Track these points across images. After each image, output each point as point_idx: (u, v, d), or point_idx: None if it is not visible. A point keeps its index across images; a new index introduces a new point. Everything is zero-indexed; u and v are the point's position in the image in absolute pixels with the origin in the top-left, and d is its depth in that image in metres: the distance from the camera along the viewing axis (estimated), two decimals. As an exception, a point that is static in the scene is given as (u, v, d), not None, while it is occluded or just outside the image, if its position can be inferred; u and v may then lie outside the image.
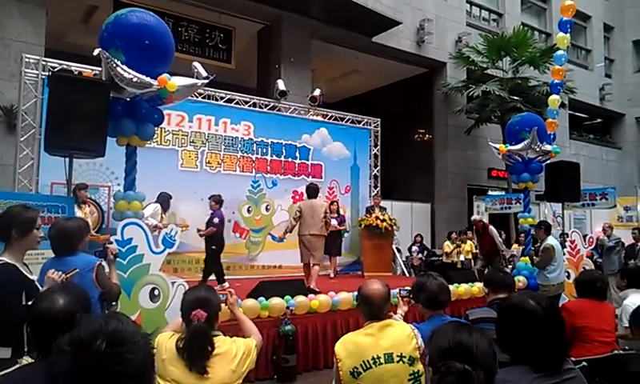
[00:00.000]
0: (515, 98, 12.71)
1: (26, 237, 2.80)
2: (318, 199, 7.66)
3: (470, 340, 1.45)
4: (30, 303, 2.53)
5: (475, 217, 9.83)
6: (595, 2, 18.87)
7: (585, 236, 8.51)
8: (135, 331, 1.12)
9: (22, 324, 2.48)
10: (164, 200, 7.37)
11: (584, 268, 7.21)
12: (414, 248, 11.99)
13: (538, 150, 7.89)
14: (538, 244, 7.23)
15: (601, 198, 11.27)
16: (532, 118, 8.28)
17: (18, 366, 1.80)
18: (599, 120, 20.32)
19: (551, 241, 6.71)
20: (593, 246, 9.02)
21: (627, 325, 3.84)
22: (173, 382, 2.17)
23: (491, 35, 13.75)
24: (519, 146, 7.93)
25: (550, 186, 8.43)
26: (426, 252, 12.26)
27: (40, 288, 2.69)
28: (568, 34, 8.24)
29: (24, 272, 2.75)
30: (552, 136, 8.42)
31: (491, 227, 9.39)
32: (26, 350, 2.42)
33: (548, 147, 8.04)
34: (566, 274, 7.23)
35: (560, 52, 8.36)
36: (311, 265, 7.32)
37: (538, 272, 6.86)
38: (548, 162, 8.29)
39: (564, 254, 7.38)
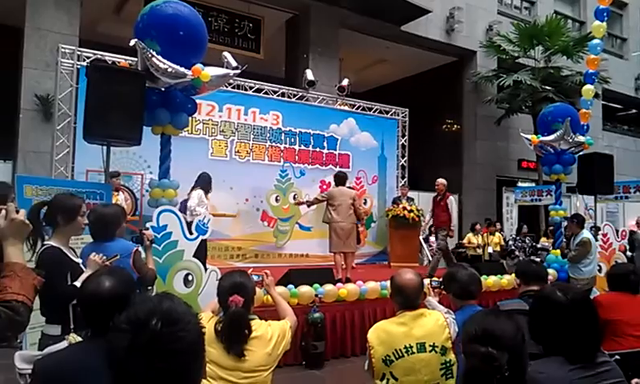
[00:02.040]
0: (547, 87, 12.48)
1: (70, 223, 2.91)
2: (346, 187, 7.62)
3: (494, 324, 1.53)
4: (75, 283, 2.66)
5: (440, 179, 8.81)
6: (632, -12, 18.31)
7: (617, 230, 8.34)
8: (187, 311, 1.17)
9: (69, 303, 2.61)
10: (205, 182, 7.19)
11: (616, 262, 7.09)
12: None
13: (570, 141, 7.75)
14: (571, 237, 7.10)
15: (635, 191, 11.00)
16: (565, 109, 8.12)
17: (67, 343, 1.89)
18: (634, 111, 19.75)
19: (587, 234, 6.63)
20: (626, 239, 8.83)
21: None
22: (211, 362, 2.25)
23: (523, 23, 13.49)
24: (552, 137, 7.79)
25: (582, 178, 8.29)
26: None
27: (84, 270, 2.80)
28: (604, 23, 8.04)
29: (69, 255, 2.88)
30: (585, 127, 8.26)
31: (451, 197, 8.44)
32: (72, 327, 2.55)
33: (581, 138, 7.89)
34: (598, 267, 7.13)
35: (596, 41, 8.17)
36: (345, 254, 7.20)
37: (570, 265, 6.76)
38: (581, 153, 8.14)
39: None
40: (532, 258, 10.10)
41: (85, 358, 1.57)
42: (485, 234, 11.52)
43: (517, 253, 10.30)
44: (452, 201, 8.27)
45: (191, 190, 7.05)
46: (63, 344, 1.90)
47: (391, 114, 11.62)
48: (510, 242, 10.79)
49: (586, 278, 6.47)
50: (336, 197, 7.27)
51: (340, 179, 7.54)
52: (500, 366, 1.43)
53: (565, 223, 8.21)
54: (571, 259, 6.61)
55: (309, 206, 8.10)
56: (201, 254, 6.95)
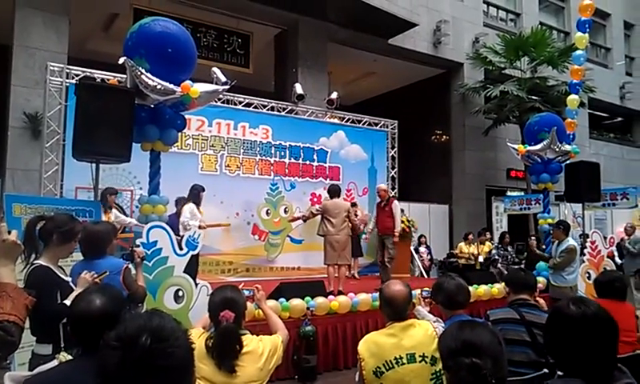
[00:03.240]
0: (534, 97, 12.63)
1: (64, 245, 2.93)
2: (340, 199, 7.63)
3: (472, 335, 1.54)
4: (65, 302, 2.66)
5: (381, 185, 8.53)
6: (615, -1, 18.65)
7: (605, 237, 8.43)
8: (176, 327, 1.20)
9: (59, 322, 2.61)
10: (194, 196, 7.22)
11: (605, 268, 7.16)
12: (422, 249, 11.75)
13: (557, 150, 7.87)
14: (554, 244, 7.12)
15: (622, 198, 11.14)
16: (551, 118, 8.25)
17: (57, 362, 1.89)
18: (620, 119, 20.01)
19: (573, 242, 6.68)
20: (614, 246, 8.91)
21: None
22: (203, 379, 2.25)
23: (509, 35, 13.67)
24: (538, 147, 7.90)
25: (569, 186, 8.38)
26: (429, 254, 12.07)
27: (73, 288, 2.80)
28: (586, 34, 8.19)
29: (58, 273, 2.88)
30: (571, 136, 8.38)
31: (396, 202, 8.00)
32: (62, 346, 2.55)
33: (567, 147, 8.01)
34: (587, 274, 7.19)
35: (579, 52, 8.32)
36: (339, 266, 7.17)
37: (553, 272, 6.74)
38: (567, 162, 8.24)
39: (584, 255, 7.36)
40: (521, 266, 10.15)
41: (74, 375, 1.57)
42: (476, 244, 11.59)
43: (500, 261, 10.34)
44: (397, 205, 7.95)
45: (182, 205, 7.07)
46: (53, 363, 1.90)
47: (380, 126, 11.71)
48: (494, 252, 10.85)
49: (569, 286, 6.49)
50: (331, 209, 7.26)
51: (334, 192, 7.52)
52: (486, 374, 1.46)
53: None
54: (556, 266, 6.57)
55: (305, 221, 8.11)
56: (192, 268, 6.96)
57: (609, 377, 1.68)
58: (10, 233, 1.77)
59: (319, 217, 7.48)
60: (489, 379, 1.46)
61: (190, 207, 7.00)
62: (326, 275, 7.36)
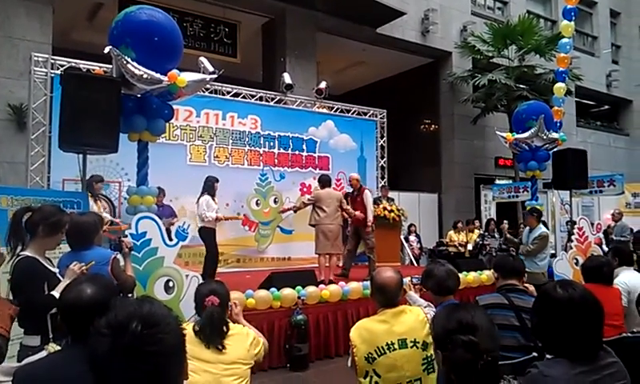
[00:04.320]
0: (521, 86, 12.69)
1: (50, 236, 2.90)
2: (332, 189, 7.59)
3: (467, 316, 1.55)
4: (53, 293, 2.64)
5: (353, 174, 8.44)
6: (601, -13, 18.75)
7: (592, 223, 8.53)
8: (167, 313, 1.19)
9: (47, 313, 2.59)
10: (209, 187, 7.13)
11: (592, 255, 7.24)
12: (412, 238, 11.80)
13: (544, 138, 7.93)
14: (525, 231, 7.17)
15: (609, 185, 11.24)
16: (538, 106, 8.31)
17: (47, 353, 1.87)
18: (606, 107, 20.20)
19: (545, 229, 6.79)
20: (601, 232, 9.02)
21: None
22: (192, 358, 2.27)
23: (496, 24, 13.70)
24: (526, 135, 7.96)
25: (557, 173, 8.45)
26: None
27: (60, 280, 2.78)
28: (572, 22, 8.23)
29: (45, 264, 2.85)
30: (558, 124, 8.44)
31: (367, 191, 7.95)
32: (51, 337, 2.53)
33: (555, 135, 8.08)
34: (575, 261, 7.27)
35: (565, 40, 8.36)
36: (330, 255, 7.16)
37: (525, 259, 6.80)
38: (555, 149, 8.30)
39: (572, 241, 7.44)
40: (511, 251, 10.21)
41: (64, 365, 1.56)
42: (465, 232, 11.69)
43: (488, 247, 10.42)
44: (368, 194, 7.87)
45: (198, 199, 7.09)
46: (42, 354, 1.89)
47: (369, 116, 11.70)
48: (478, 240, 10.95)
49: (542, 271, 6.58)
50: (324, 199, 7.24)
51: (325, 181, 7.52)
52: (482, 351, 1.46)
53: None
54: (530, 253, 6.61)
55: (295, 212, 8.11)
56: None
57: (594, 357, 1.72)
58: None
59: (309, 207, 7.47)
60: (484, 356, 1.46)
61: (205, 199, 6.98)
62: (316, 265, 7.37)
